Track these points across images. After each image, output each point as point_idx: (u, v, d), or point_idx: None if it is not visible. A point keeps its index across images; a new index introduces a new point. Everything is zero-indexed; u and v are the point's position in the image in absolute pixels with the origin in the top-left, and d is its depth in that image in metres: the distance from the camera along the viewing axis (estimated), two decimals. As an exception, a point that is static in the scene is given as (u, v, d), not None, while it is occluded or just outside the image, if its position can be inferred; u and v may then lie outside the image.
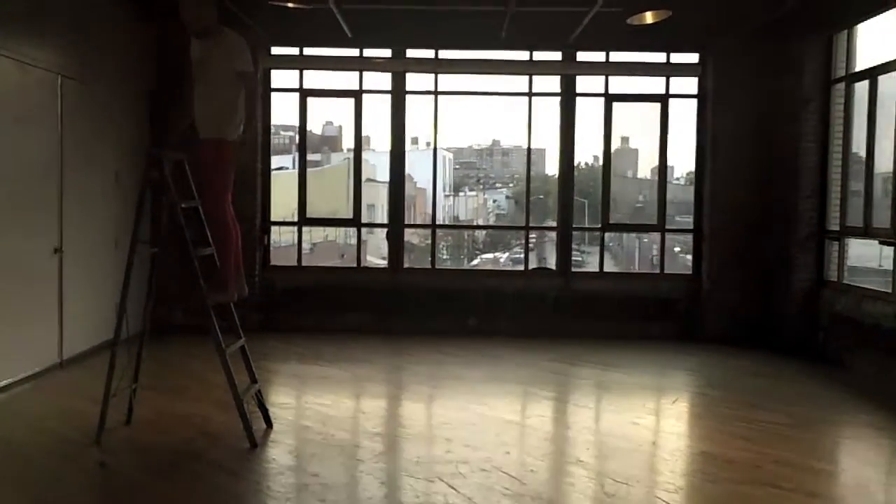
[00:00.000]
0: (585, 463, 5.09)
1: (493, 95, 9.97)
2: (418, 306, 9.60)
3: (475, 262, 17.49)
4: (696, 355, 8.74)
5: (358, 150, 9.77)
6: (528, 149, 9.77)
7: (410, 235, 15.37)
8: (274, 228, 9.95)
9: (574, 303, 9.59)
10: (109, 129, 8.28)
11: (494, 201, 26.09)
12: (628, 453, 5.34)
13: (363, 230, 9.92)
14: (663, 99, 9.58)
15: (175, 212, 5.20)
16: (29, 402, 6.32)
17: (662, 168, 9.70)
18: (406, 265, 9.98)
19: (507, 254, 21.81)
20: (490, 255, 20.30)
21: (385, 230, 9.89)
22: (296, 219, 9.85)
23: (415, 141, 16.68)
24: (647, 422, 6.20)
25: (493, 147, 24.75)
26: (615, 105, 9.61)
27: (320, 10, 8.05)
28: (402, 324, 9.52)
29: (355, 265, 9.94)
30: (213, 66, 5.22)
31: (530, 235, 9.90)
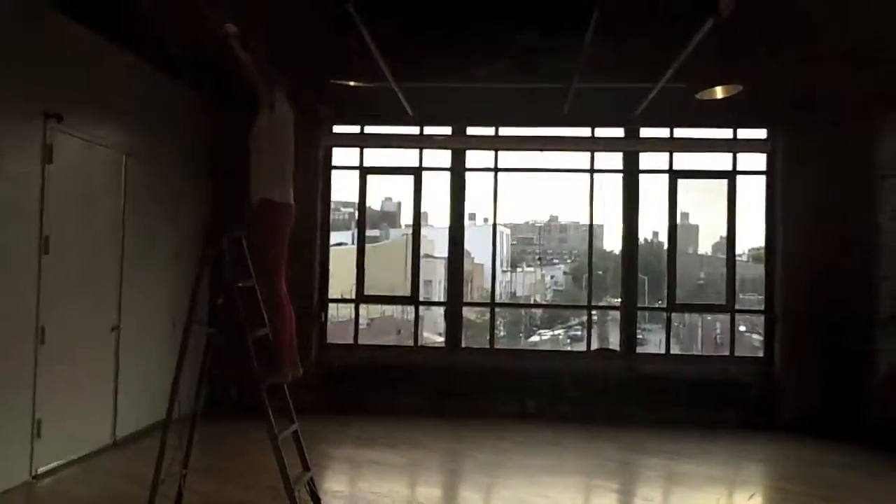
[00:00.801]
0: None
1: (554, 172, 9.82)
2: (476, 387, 9.30)
3: (534, 338, 17.16)
4: (769, 444, 8.24)
5: (417, 227, 9.67)
6: (591, 225, 9.53)
7: (468, 311, 15.08)
8: (331, 305, 9.84)
9: (638, 386, 9.18)
10: (170, 209, 8.33)
11: (552, 277, 25.73)
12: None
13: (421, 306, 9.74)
14: (730, 175, 9.30)
15: (231, 291, 5.09)
16: (79, 486, 6.17)
17: (731, 246, 9.35)
18: (464, 344, 9.73)
19: (563, 330, 21.38)
20: (548, 332, 19.92)
21: (443, 308, 9.69)
22: (353, 296, 9.73)
23: (472, 216, 16.61)
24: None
25: (550, 223, 24.59)
26: (679, 181, 9.36)
27: (381, 88, 8.08)
28: (460, 405, 9.22)
29: (412, 343, 9.72)
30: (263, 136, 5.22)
31: (592, 313, 9.58)
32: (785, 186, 9.04)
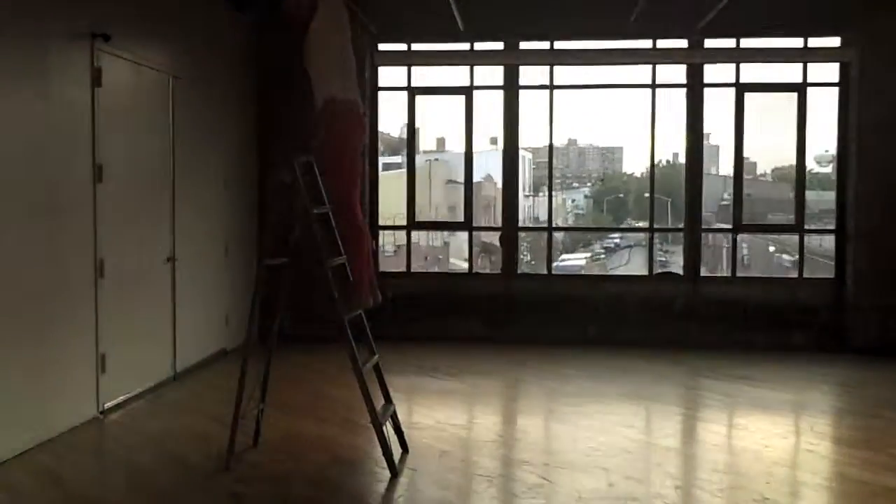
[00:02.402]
0: (774, 502, 4.44)
1: (614, 88, 9.35)
2: (534, 314, 9.03)
3: (556, 263, 16.87)
4: (842, 368, 7.95)
5: (469, 150, 9.24)
6: (652, 146, 9.05)
7: (493, 237, 14.73)
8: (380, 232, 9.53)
9: (703, 310, 8.87)
10: (218, 133, 7.97)
11: (573, 201, 25.31)
12: (817, 489, 4.68)
13: (483, 234, 9.41)
14: (800, 88, 8.78)
15: (308, 218, 4.76)
16: (148, 421, 5.99)
17: (800, 164, 8.90)
18: (523, 271, 9.42)
19: (588, 254, 21.08)
20: (571, 256, 19.59)
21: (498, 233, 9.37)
22: (403, 222, 9.41)
23: (493, 141, 16.16)
24: (823, 448, 5.50)
25: (568, 146, 24.02)
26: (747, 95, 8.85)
27: (431, 3, 7.58)
28: (518, 332, 8.97)
29: (467, 271, 9.43)
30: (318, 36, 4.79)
31: (653, 237, 9.20)
32: (861, 97, 8.51)
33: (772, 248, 16.42)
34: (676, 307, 8.81)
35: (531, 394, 7.10)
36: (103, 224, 5.85)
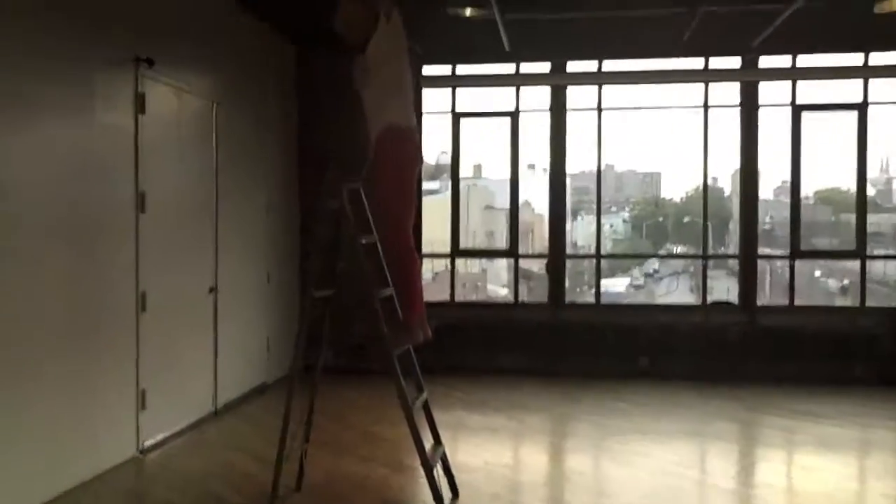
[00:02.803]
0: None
1: (664, 109, 9.08)
2: (582, 345, 8.71)
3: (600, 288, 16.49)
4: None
5: (515, 175, 9.01)
6: (705, 169, 8.74)
7: (531, 264, 14.37)
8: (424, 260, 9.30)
9: (760, 340, 8.49)
10: (260, 159, 7.85)
11: (611, 226, 24.84)
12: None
13: (520, 260, 9.14)
14: (861, 107, 8.42)
15: (355, 247, 4.55)
16: (188, 460, 5.78)
17: (861, 186, 8.53)
18: (567, 300, 9.13)
19: (628, 279, 20.64)
20: (611, 281, 19.15)
21: (545, 261, 9.10)
22: (443, 249, 9.18)
23: (531, 167, 15.92)
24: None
25: (605, 171, 23.77)
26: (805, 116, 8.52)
27: (474, 22, 7.38)
28: (565, 364, 8.65)
29: (513, 301, 9.16)
30: (376, 60, 4.53)
31: (706, 264, 8.87)
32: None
33: (817, 273, 15.93)
34: (731, 336, 8.45)
35: (582, 431, 6.77)
36: (146, 254, 5.70)
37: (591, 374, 8.47)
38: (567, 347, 8.72)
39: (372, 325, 4.53)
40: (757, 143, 8.62)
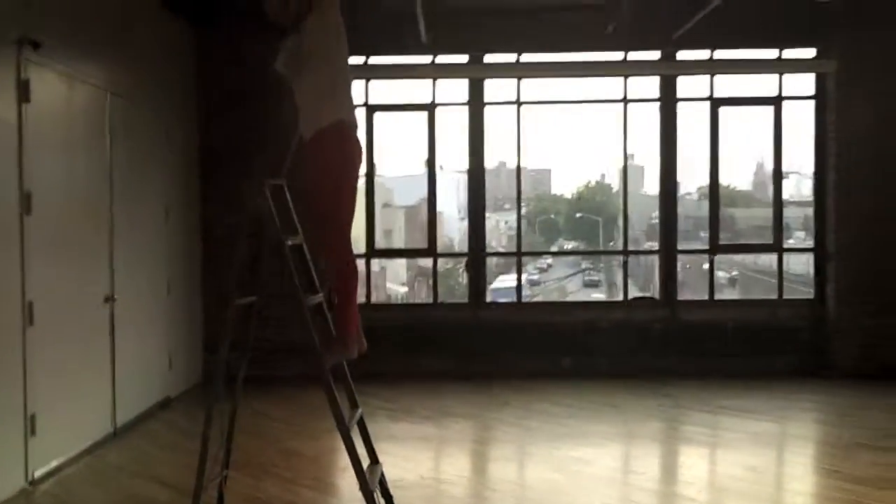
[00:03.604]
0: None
1: (584, 103, 8.89)
2: (504, 345, 8.43)
3: (495, 284, 16.41)
4: (837, 394, 7.56)
5: (432, 169, 8.62)
6: (625, 164, 8.62)
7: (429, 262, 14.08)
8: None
9: (682, 335, 8.42)
10: (158, 157, 7.19)
11: (506, 222, 25.06)
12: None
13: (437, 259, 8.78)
14: (776, 101, 8.45)
15: (282, 251, 4.07)
16: (87, 490, 5.14)
17: (777, 180, 8.56)
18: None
19: (525, 275, 20.72)
20: (507, 277, 19.18)
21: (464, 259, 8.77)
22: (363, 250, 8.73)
23: (426, 163, 15.62)
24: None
25: (499, 168, 23.99)
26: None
27: (388, 13, 6.98)
28: (488, 366, 8.34)
29: (431, 301, 8.80)
30: (316, 49, 4.04)
31: (626, 259, 8.75)
32: (839, 111, 8.20)
33: (705, 266, 16.27)
34: (653, 332, 8.35)
35: (518, 438, 6.42)
36: (33, 261, 5.03)
37: (512, 375, 8.19)
38: (489, 348, 8.41)
39: (303, 334, 4.07)
40: (676, 137, 8.52)
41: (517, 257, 8.85)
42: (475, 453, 6.18)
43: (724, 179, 8.90)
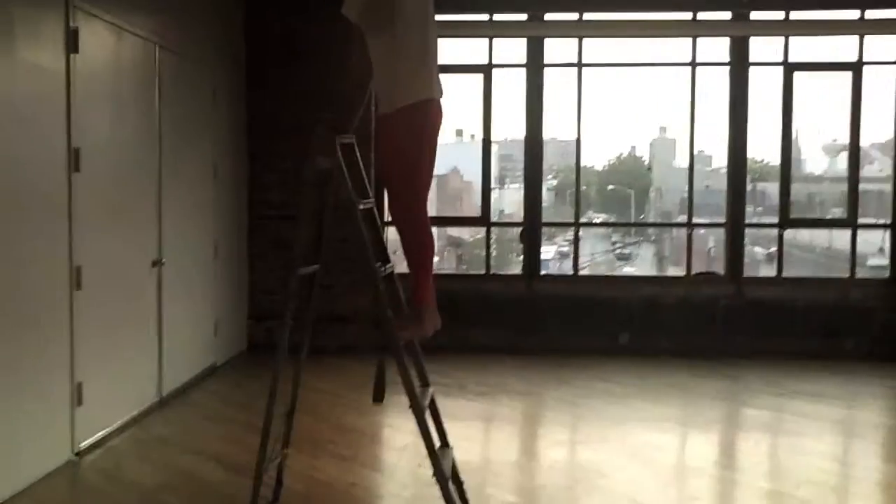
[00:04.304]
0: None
1: (650, 66, 8.43)
2: (560, 320, 8.06)
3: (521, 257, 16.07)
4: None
5: (487, 137, 8.22)
6: (692, 132, 8.13)
7: (460, 231, 13.57)
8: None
9: (748, 314, 7.98)
10: (207, 114, 6.87)
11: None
12: None
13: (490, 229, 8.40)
14: (855, 67, 7.90)
15: (354, 213, 3.73)
16: (133, 464, 4.89)
17: (854, 152, 8.05)
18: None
19: (554, 247, 20.37)
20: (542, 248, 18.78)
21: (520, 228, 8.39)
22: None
23: (459, 133, 15.13)
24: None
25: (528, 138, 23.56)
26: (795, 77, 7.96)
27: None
28: (542, 341, 7.98)
29: (483, 272, 8.43)
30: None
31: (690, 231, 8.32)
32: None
33: (758, 249, 15.71)
34: (718, 310, 7.93)
35: (587, 419, 6.01)
36: (81, 223, 4.74)
37: (566, 350, 7.83)
38: (543, 323, 8.05)
39: (376, 306, 3.74)
40: (747, 103, 8.03)
41: (575, 227, 8.42)
42: (540, 436, 5.85)
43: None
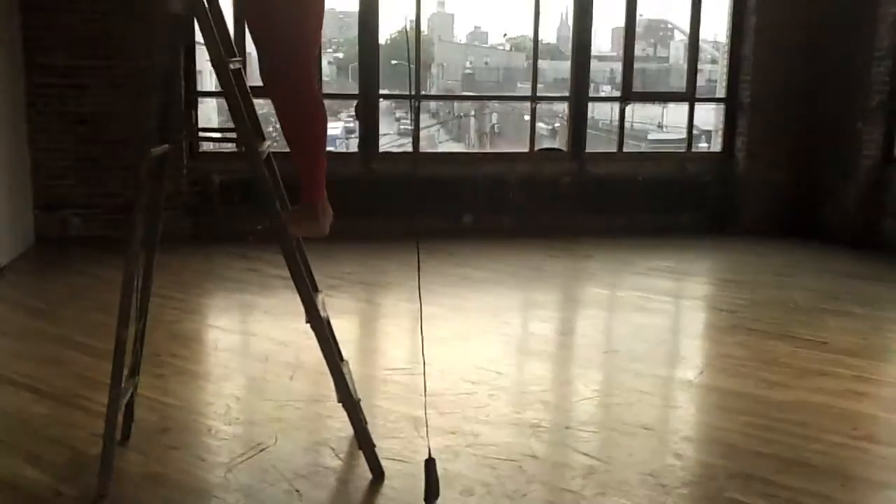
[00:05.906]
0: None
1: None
2: (399, 201, 7.42)
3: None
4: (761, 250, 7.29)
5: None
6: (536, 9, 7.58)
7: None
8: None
9: (591, 190, 7.80)
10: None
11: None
12: None
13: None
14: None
15: (223, 74, 2.84)
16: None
17: (694, 27, 7.90)
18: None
19: (340, 123, 19.81)
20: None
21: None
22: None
23: None
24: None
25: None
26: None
27: None
28: (380, 224, 7.34)
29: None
30: None
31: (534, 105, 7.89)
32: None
33: (526, 117, 15.94)
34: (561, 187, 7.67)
35: (461, 310, 5.52)
36: None
37: (408, 232, 7.26)
38: (380, 204, 7.37)
39: (261, 195, 2.94)
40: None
41: (414, 101, 7.70)
42: (417, 332, 5.28)
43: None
